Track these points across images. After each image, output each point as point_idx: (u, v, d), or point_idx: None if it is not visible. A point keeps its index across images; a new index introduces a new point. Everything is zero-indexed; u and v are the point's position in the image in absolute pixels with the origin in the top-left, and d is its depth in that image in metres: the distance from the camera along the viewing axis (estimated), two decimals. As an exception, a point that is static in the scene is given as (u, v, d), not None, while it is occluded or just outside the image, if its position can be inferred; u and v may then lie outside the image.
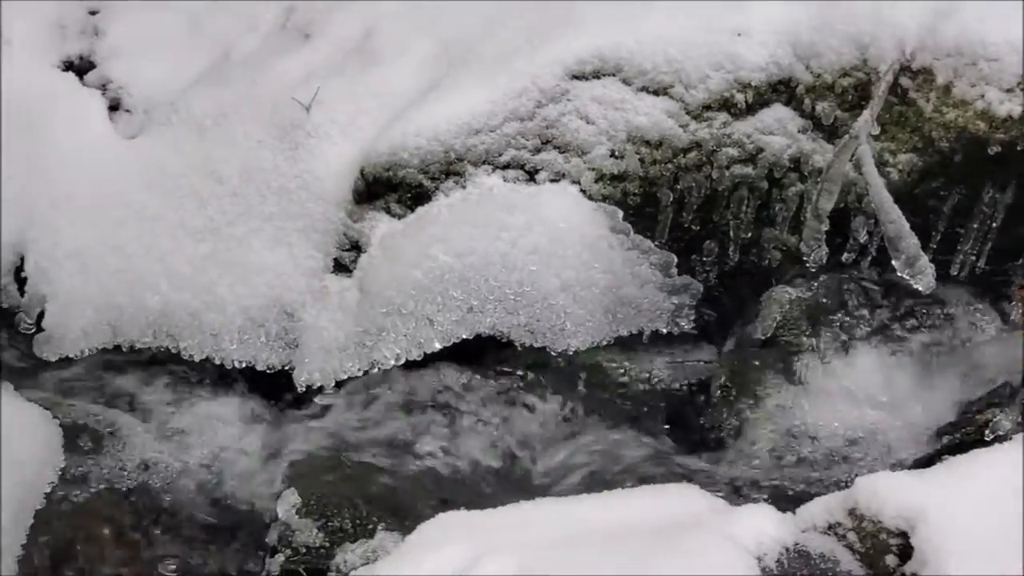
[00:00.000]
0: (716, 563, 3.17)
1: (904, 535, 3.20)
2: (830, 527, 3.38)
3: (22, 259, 5.25)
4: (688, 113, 4.76)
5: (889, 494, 3.27)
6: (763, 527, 3.36)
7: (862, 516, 3.33)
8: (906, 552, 3.19)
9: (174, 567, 4.32)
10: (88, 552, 4.42)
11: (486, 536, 3.34)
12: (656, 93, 4.78)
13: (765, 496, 4.05)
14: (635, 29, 4.82)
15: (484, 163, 4.80)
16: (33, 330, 5.16)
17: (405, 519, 4.17)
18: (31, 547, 4.34)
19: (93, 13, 5.92)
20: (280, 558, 4.15)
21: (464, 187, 4.79)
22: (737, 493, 4.07)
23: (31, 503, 4.44)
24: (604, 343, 4.72)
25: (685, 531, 3.31)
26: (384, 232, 4.80)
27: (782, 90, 4.75)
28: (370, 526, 4.17)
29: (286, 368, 4.86)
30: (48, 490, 4.52)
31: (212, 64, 5.52)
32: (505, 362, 4.74)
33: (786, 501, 3.91)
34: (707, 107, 4.75)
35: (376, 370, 4.73)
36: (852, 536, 3.33)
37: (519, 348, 4.73)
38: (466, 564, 3.22)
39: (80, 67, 5.77)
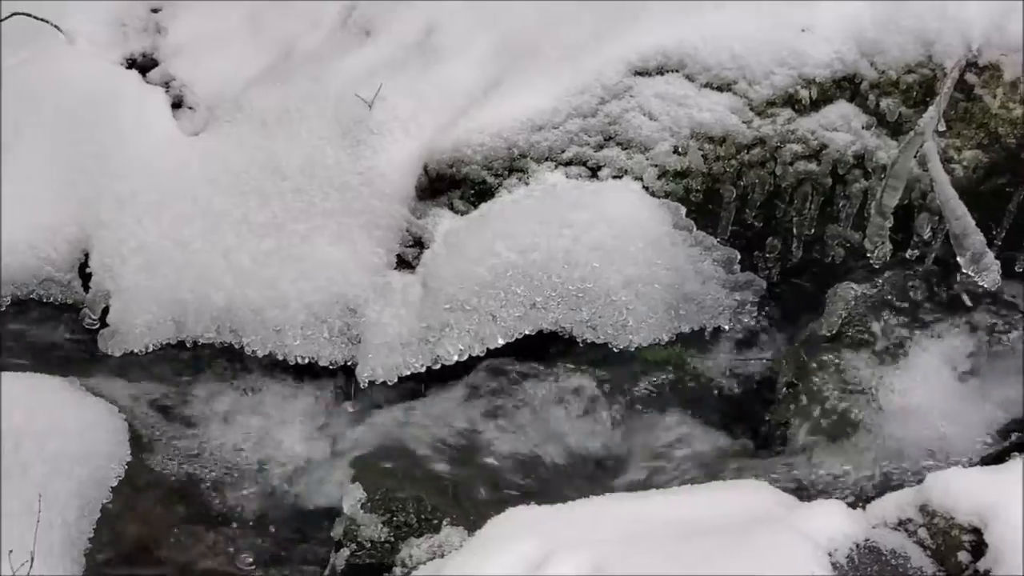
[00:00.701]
0: (789, 559, 3.17)
1: (977, 532, 3.19)
2: (901, 523, 3.38)
3: (86, 256, 5.26)
4: (752, 109, 4.75)
5: (962, 491, 3.26)
6: (834, 523, 3.35)
7: (934, 512, 3.32)
8: (979, 549, 3.18)
9: (251, 560, 4.32)
10: (153, 546, 4.45)
11: (557, 531, 3.35)
12: (720, 89, 4.78)
13: (832, 492, 4.02)
14: (699, 25, 4.82)
15: (547, 160, 4.81)
16: (97, 326, 5.20)
17: (469, 514, 4.18)
18: (98, 541, 4.34)
19: (155, 11, 5.97)
20: (345, 552, 4.17)
21: (527, 183, 4.80)
22: (805, 489, 4.05)
23: (98, 497, 4.47)
24: (666, 339, 4.70)
25: (757, 527, 3.31)
26: (447, 228, 4.81)
27: (846, 86, 4.73)
28: (435, 521, 4.17)
29: (348, 364, 4.85)
30: (114, 484, 4.52)
31: (274, 61, 5.55)
32: (567, 358, 4.71)
33: (854, 497, 3.90)
34: (771, 103, 4.75)
35: (439, 366, 4.71)
36: (923, 532, 3.32)
37: (581, 344, 4.69)
38: (538, 559, 3.22)
39: (143, 65, 5.81)
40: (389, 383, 4.77)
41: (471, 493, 4.36)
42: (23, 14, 5.89)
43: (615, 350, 4.70)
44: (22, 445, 4.30)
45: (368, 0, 5.52)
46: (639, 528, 3.38)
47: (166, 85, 5.65)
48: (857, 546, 3.34)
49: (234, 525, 4.53)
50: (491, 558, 3.29)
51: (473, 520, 4.12)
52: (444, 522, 4.15)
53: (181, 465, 4.68)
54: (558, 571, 3.15)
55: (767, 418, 4.48)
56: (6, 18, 5.90)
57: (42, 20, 5.86)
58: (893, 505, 3.43)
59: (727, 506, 3.54)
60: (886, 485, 4.01)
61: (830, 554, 3.29)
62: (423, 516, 4.20)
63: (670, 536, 3.32)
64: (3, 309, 5.29)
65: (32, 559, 3.78)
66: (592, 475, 4.42)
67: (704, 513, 3.47)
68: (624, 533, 3.34)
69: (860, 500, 3.85)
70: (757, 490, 3.66)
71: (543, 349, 4.80)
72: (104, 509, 4.47)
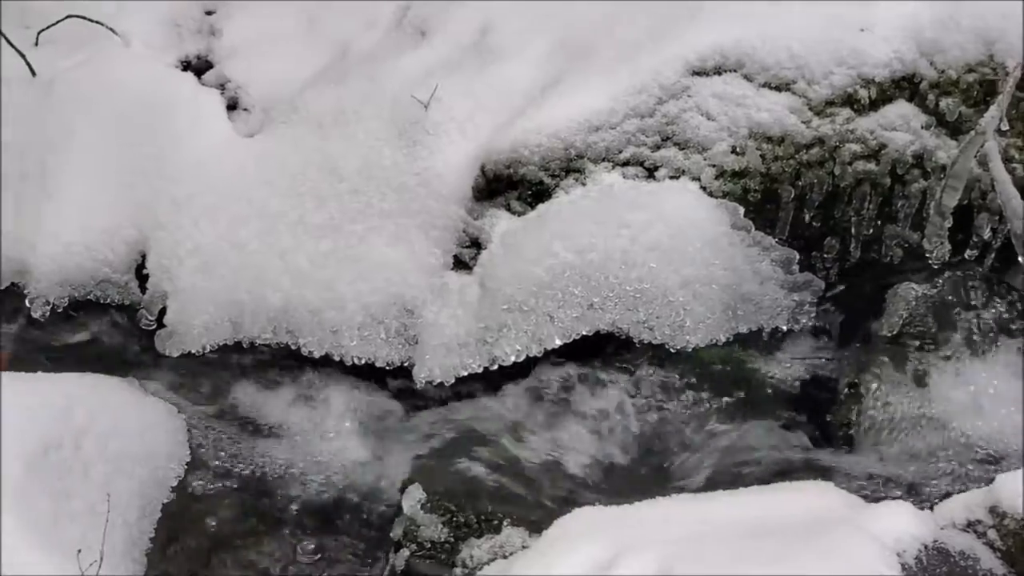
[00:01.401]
0: (858, 560, 3.17)
1: (1050, 533, 3.17)
2: (969, 524, 3.36)
3: (143, 257, 5.28)
4: (811, 109, 4.74)
5: (1033, 492, 3.24)
6: (902, 524, 3.34)
7: (1004, 514, 3.30)
8: (1051, 551, 3.16)
9: (312, 547, 4.33)
10: (211, 545, 4.46)
11: (625, 532, 3.35)
12: (778, 89, 4.76)
13: (898, 493, 4.01)
14: (757, 25, 4.81)
15: (604, 160, 4.81)
16: (154, 326, 5.22)
17: (530, 515, 4.18)
18: (159, 540, 4.36)
19: (209, 13, 5.99)
20: (405, 552, 4.17)
21: (584, 184, 4.79)
22: (870, 490, 4.03)
23: (159, 497, 4.50)
24: (723, 340, 4.69)
25: (824, 528, 3.30)
26: (505, 229, 4.81)
27: (906, 86, 4.72)
28: (495, 521, 4.17)
29: (405, 364, 4.85)
30: (174, 484, 4.55)
31: (330, 62, 5.56)
32: (624, 359, 4.71)
33: (919, 498, 3.88)
34: (830, 103, 4.73)
35: (496, 366, 4.71)
36: (993, 534, 3.31)
37: (638, 345, 4.69)
38: (606, 560, 3.23)
39: (198, 67, 5.83)
40: (446, 384, 4.76)
41: (530, 494, 4.36)
42: (78, 16, 5.91)
43: (672, 351, 4.68)
44: (84, 445, 4.32)
45: (423, 0, 5.49)
46: (706, 529, 3.37)
47: (221, 87, 5.66)
48: (925, 547, 3.33)
49: (292, 525, 4.56)
50: (560, 558, 3.29)
51: (533, 521, 4.13)
52: (504, 523, 4.15)
53: (238, 465, 4.69)
54: (627, 571, 3.14)
55: (828, 419, 4.46)
56: (61, 20, 5.93)
57: (97, 23, 5.89)
58: (961, 506, 3.41)
59: (793, 507, 3.53)
60: (953, 486, 3.98)
61: (899, 555, 3.28)
62: (483, 517, 4.20)
63: (737, 537, 3.31)
64: (60, 311, 5.28)
65: (101, 558, 3.79)
66: (652, 476, 4.42)
67: (770, 514, 3.47)
68: (691, 534, 3.34)
69: (927, 501, 3.83)
70: (823, 491, 3.65)
71: (599, 350, 4.77)
72: (164, 509, 4.47)
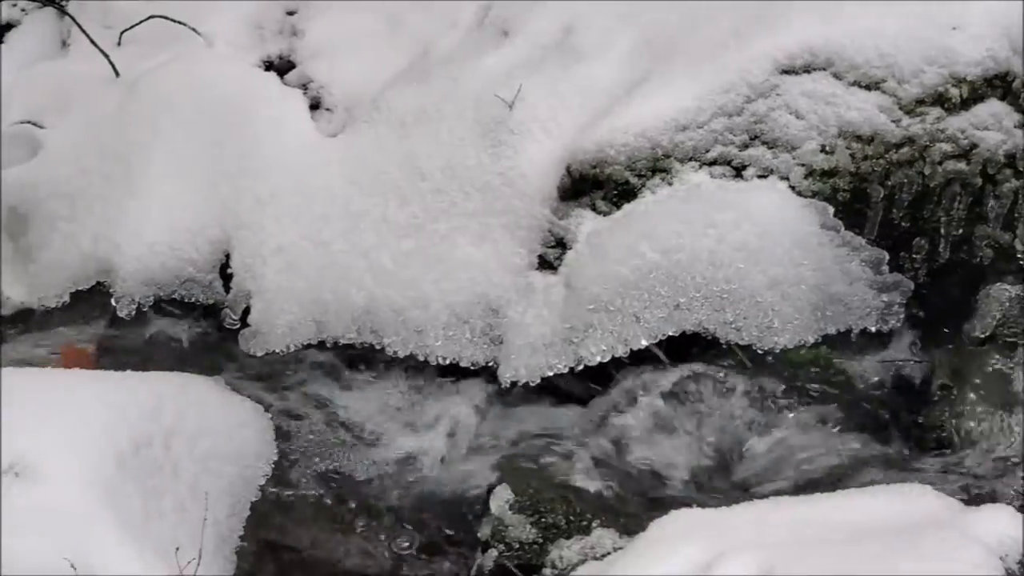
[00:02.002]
0: (961, 562, 3.14)
1: None
2: (1073, 528, 3.31)
3: (227, 256, 5.31)
4: (901, 108, 4.69)
5: None
6: (1003, 527, 3.31)
7: (1108, 518, 3.25)
8: None
9: (407, 544, 4.34)
10: (299, 544, 4.47)
11: (724, 534, 3.33)
12: (868, 88, 4.72)
13: (993, 496, 3.96)
14: (846, 23, 4.76)
15: (691, 159, 4.78)
16: (238, 326, 5.24)
17: (619, 516, 4.17)
18: (248, 539, 4.37)
19: (291, 13, 6.01)
20: (493, 553, 4.16)
21: (671, 184, 4.77)
22: (966, 493, 3.98)
23: (247, 496, 4.52)
24: (811, 341, 4.65)
25: (925, 531, 3.28)
26: (590, 229, 4.79)
27: (998, 85, 4.67)
28: (584, 523, 4.15)
29: (490, 364, 4.85)
30: (262, 482, 4.56)
31: (412, 62, 5.56)
32: (711, 360, 4.68)
33: (1017, 502, 3.83)
34: (920, 102, 4.68)
35: (582, 367, 4.69)
36: (1097, 538, 3.25)
37: (724, 346, 4.66)
38: (706, 562, 3.21)
39: (280, 67, 5.86)
40: (531, 384, 4.75)
41: (617, 496, 4.34)
42: (161, 17, 5.95)
43: (759, 352, 4.64)
44: (173, 444, 4.33)
45: (505, 0, 5.48)
46: (805, 532, 3.35)
47: (304, 87, 5.68)
48: (1029, 551, 3.29)
49: (377, 523, 4.55)
50: (659, 560, 3.27)
51: (622, 523, 4.11)
52: (594, 524, 4.13)
53: (324, 464, 4.71)
54: (729, 571, 3.12)
55: (920, 421, 4.41)
56: (144, 20, 5.97)
57: (179, 23, 5.93)
58: (1062, 510, 3.36)
59: (892, 510, 3.50)
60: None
61: (1001, 559, 3.24)
62: (571, 518, 4.18)
63: (837, 540, 3.29)
64: (145, 310, 5.31)
65: (200, 557, 3.81)
66: (740, 478, 4.38)
67: (869, 517, 3.44)
68: (791, 536, 3.32)
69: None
70: (922, 494, 3.62)
71: (685, 350, 4.74)
72: (252, 508, 4.48)
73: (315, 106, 5.64)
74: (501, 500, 4.27)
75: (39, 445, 3.97)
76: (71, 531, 3.76)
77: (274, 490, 4.60)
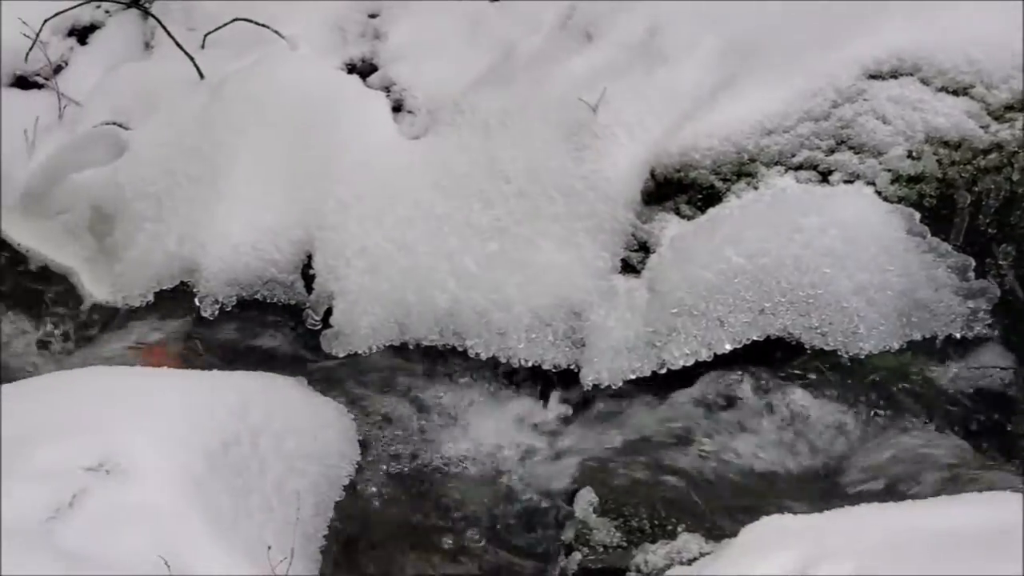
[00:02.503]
0: (1056, 573, 3.10)
1: None
2: None
3: (309, 257, 5.34)
4: (989, 113, 4.67)
5: None
6: (1100, 538, 3.26)
7: None
8: None
9: (486, 554, 4.35)
10: (384, 542, 4.50)
11: (818, 541, 3.32)
12: (956, 93, 4.70)
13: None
14: (934, 28, 4.75)
15: (777, 164, 4.77)
16: (319, 326, 5.26)
17: (704, 521, 4.16)
18: (332, 539, 4.40)
19: (373, 16, 6.03)
20: (577, 556, 4.17)
21: (756, 188, 4.76)
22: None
23: (331, 495, 4.54)
24: (896, 347, 4.63)
25: (1015, 539, 3.24)
26: (674, 233, 4.79)
27: (1088, 91, 4.61)
28: (669, 527, 4.16)
29: (572, 367, 4.85)
30: (346, 482, 4.59)
31: (494, 64, 5.57)
32: (795, 365, 4.66)
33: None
34: (1009, 107, 4.66)
35: (665, 370, 4.69)
36: None
37: (809, 351, 4.64)
38: (800, 568, 3.19)
39: (362, 69, 5.88)
40: (614, 387, 4.75)
41: (703, 501, 4.33)
42: (244, 19, 6.00)
43: (844, 357, 4.62)
44: (260, 443, 4.36)
45: (588, 2, 5.48)
46: (900, 538, 3.33)
47: (386, 89, 5.71)
48: (1126, 563, 3.25)
49: (461, 524, 4.57)
50: (753, 566, 3.26)
51: (708, 527, 4.11)
52: (679, 528, 4.13)
53: (407, 464, 4.73)
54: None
55: (1008, 428, 4.38)
56: (228, 23, 6.02)
57: (263, 26, 5.96)
58: None
59: (984, 518, 3.47)
60: None
61: (1097, 568, 3.20)
62: (656, 522, 4.19)
63: (933, 547, 3.27)
64: (228, 309, 5.35)
65: (292, 554, 3.84)
66: (826, 484, 4.37)
67: (963, 523, 3.42)
68: (885, 543, 3.30)
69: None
70: (1012, 501, 3.58)
71: (769, 355, 4.73)
72: (336, 507, 4.51)
73: (397, 108, 5.66)
74: (585, 503, 4.28)
75: (130, 443, 4.01)
76: (164, 529, 3.78)
77: (358, 489, 4.58)
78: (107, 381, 4.43)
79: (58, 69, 6.40)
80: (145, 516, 3.80)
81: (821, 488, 4.32)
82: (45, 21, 6.18)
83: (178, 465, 4.01)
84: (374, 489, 4.64)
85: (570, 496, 4.43)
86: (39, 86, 6.40)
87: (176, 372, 4.67)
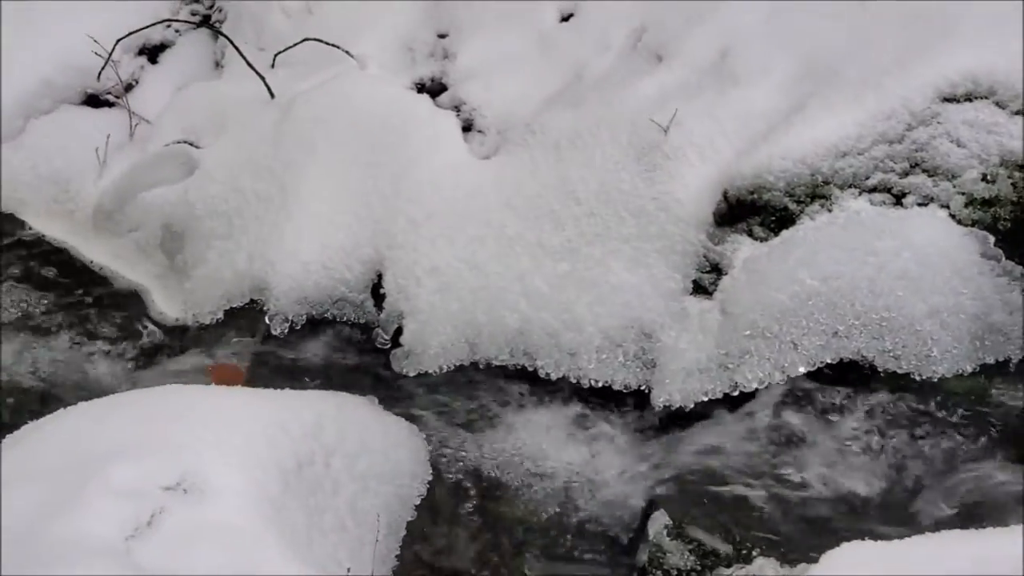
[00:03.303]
0: None
1: None
2: None
3: (379, 276, 5.35)
4: (1064, 137, 4.62)
5: None
6: None
7: None
8: None
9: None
10: (456, 563, 4.51)
11: (898, 569, 3.29)
12: (1031, 117, 4.66)
13: None
14: (1008, 52, 4.71)
15: (850, 186, 4.76)
16: (389, 346, 5.27)
17: (779, 545, 4.15)
18: (404, 558, 4.41)
19: (442, 36, 6.05)
20: (650, 579, 4.15)
21: (830, 210, 4.75)
22: None
23: (403, 515, 4.56)
24: (970, 370, 4.60)
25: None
26: (747, 255, 4.78)
27: None
28: (744, 551, 4.15)
29: (643, 388, 4.85)
30: (418, 502, 4.60)
31: (564, 85, 5.58)
32: (868, 388, 4.65)
33: None
34: (1084, 131, 4.61)
35: (737, 393, 4.68)
36: None
37: (882, 374, 4.62)
38: (885, 596, 3.17)
39: (432, 89, 5.89)
40: (685, 408, 4.75)
41: (779, 525, 4.32)
42: (314, 39, 6.03)
43: (917, 380, 4.60)
44: (333, 463, 4.38)
45: (660, 23, 5.48)
46: (982, 568, 3.30)
47: (456, 109, 5.72)
48: None
49: (532, 547, 4.58)
50: (836, 594, 3.25)
51: (783, 552, 4.09)
52: (754, 553, 4.11)
53: (478, 484, 4.73)
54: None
55: (1086, 456, 4.35)
56: (298, 43, 6.05)
57: (333, 45, 6.00)
58: None
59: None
60: None
61: None
62: (731, 546, 4.18)
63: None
64: (298, 328, 5.37)
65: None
66: (900, 510, 4.35)
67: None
68: (967, 572, 3.27)
69: None
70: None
71: (841, 378, 4.71)
72: (408, 527, 4.51)
73: (467, 128, 5.68)
74: (659, 526, 4.27)
75: (206, 462, 4.03)
76: (240, 548, 3.80)
77: (429, 510, 4.59)
78: (182, 399, 4.45)
79: (129, 88, 6.44)
80: (222, 535, 3.81)
81: (899, 514, 4.30)
82: (118, 41, 6.22)
83: (254, 484, 4.03)
84: (446, 508, 4.64)
85: (642, 518, 4.42)
86: (110, 104, 6.45)
87: (250, 391, 4.70)
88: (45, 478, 3.91)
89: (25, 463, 4.05)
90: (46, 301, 5.77)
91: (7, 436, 4.39)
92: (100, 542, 3.67)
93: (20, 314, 5.69)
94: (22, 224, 6.18)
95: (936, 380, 4.61)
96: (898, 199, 4.73)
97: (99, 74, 6.24)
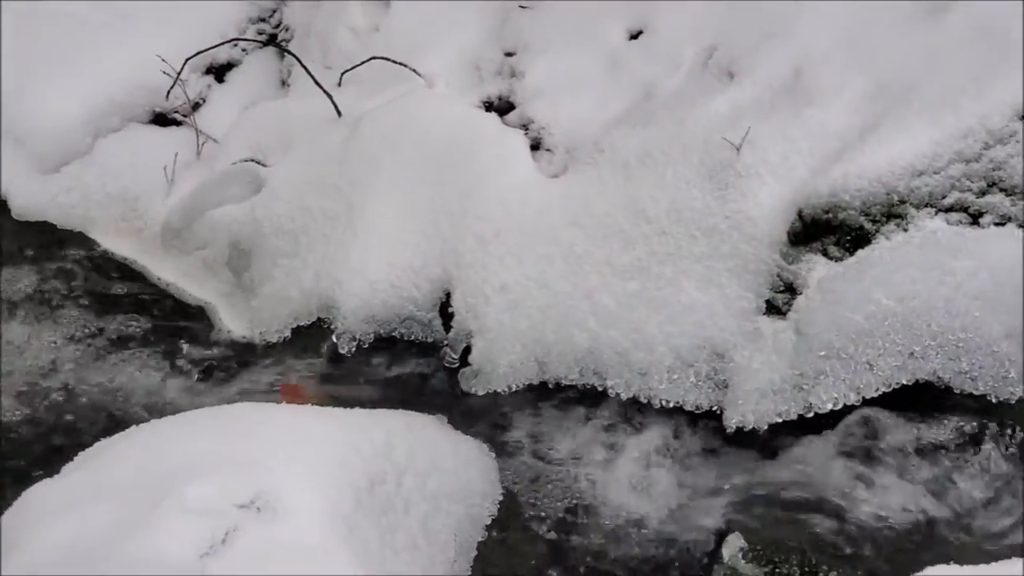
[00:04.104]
0: None
1: None
2: None
3: (447, 295, 5.34)
4: None
5: None
6: None
7: None
8: None
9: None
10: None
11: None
12: (1111, 136, 4.60)
13: None
14: (1089, 69, 4.64)
15: (927, 205, 4.71)
16: (457, 364, 5.25)
17: (857, 568, 4.12)
18: (475, 577, 4.40)
19: (509, 55, 6.03)
20: (724, 602, 4.11)
21: (906, 230, 4.70)
22: None
23: (474, 535, 4.54)
24: (1047, 392, 4.53)
25: None
26: (822, 275, 4.73)
27: None
28: (820, 574, 4.08)
29: (714, 409, 4.81)
30: (488, 522, 4.58)
31: (634, 103, 5.55)
32: (943, 409, 4.58)
33: None
34: None
35: (811, 414, 4.63)
36: None
37: (958, 395, 4.56)
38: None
39: (499, 107, 5.88)
40: (758, 430, 4.70)
41: (852, 548, 4.27)
42: (381, 58, 6.04)
43: (993, 402, 4.54)
44: (404, 482, 4.37)
45: (731, 41, 5.45)
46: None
47: (524, 127, 5.70)
48: None
49: (599, 568, 4.54)
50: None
51: (861, 576, 4.04)
52: (832, 575, 4.05)
53: (548, 504, 4.71)
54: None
55: None
56: (365, 61, 6.06)
57: (400, 64, 6.00)
58: None
59: None
60: None
61: None
62: (807, 569, 4.16)
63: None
64: (365, 347, 5.37)
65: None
66: (986, 532, 4.28)
67: None
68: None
69: None
70: None
71: (915, 399, 4.66)
72: (479, 547, 4.49)
73: (535, 147, 5.66)
74: (734, 548, 4.23)
75: (280, 480, 4.01)
76: (314, 567, 3.79)
77: (500, 529, 4.57)
78: (255, 417, 4.45)
79: (196, 106, 6.46)
80: (296, 553, 3.79)
81: (980, 539, 4.23)
82: (187, 60, 6.24)
83: (328, 503, 4.01)
84: (517, 528, 4.61)
85: (716, 540, 4.38)
86: (177, 123, 6.48)
87: (321, 409, 4.68)
88: (119, 495, 3.90)
89: (99, 480, 4.05)
90: (114, 318, 5.79)
91: (80, 452, 4.39)
92: (175, 560, 3.66)
93: (88, 331, 5.71)
94: (91, 242, 6.19)
95: (1013, 402, 4.52)
96: (975, 218, 4.68)
97: (168, 93, 6.27)
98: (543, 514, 4.69)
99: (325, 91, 5.92)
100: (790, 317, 4.76)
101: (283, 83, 6.55)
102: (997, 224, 4.67)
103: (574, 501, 4.74)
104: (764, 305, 4.83)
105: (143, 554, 3.66)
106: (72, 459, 4.39)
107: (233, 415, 4.52)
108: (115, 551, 3.68)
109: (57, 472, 4.29)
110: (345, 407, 4.83)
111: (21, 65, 6.57)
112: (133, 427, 4.47)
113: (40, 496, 4.07)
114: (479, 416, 5.11)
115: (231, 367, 5.57)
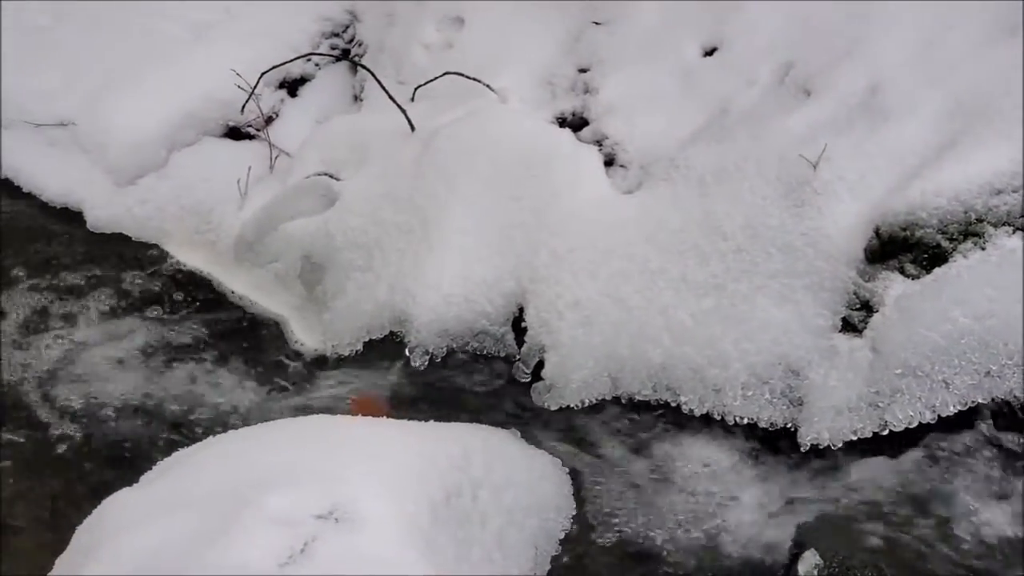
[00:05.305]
0: None
1: None
2: None
3: (520, 310, 5.35)
4: None
5: None
6: None
7: None
8: None
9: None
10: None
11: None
12: None
13: None
14: None
15: (1005, 224, 4.68)
16: (529, 379, 5.26)
17: (935, 587, 4.06)
18: (549, 594, 4.41)
19: (583, 71, 6.05)
20: (801, 619, 4.09)
21: (983, 248, 4.67)
22: None
23: (549, 550, 4.55)
24: (1125, 412, 4.49)
25: None
26: (899, 292, 4.71)
27: None
28: (896, 593, 4.07)
29: (789, 426, 4.79)
30: (562, 536, 4.58)
31: (709, 120, 5.55)
32: (1017, 428, 4.55)
33: None
34: None
35: (886, 432, 4.61)
36: None
37: (1033, 415, 4.54)
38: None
39: (573, 123, 5.90)
40: (834, 447, 4.69)
41: (930, 566, 4.24)
42: (455, 73, 6.07)
43: (1072, 422, 4.51)
44: (480, 495, 4.38)
45: (807, 58, 5.45)
46: None
47: (598, 143, 5.72)
48: None
49: (673, 582, 4.50)
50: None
51: (937, 594, 4.02)
52: (911, 596, 4.04)
53: (622, 519, 4.71)
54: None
55: None
56: (439, 77, 6.09)
57: (473, 79, 6.02)
58: None
59: None
60: None
61: None
62: (883, 587, 4.10)
63: None
64: (438, 360, 5.39)
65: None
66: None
67: None
68: None
69: None
70: None
71: (992, 418, 4.63)
72: (553, 561, 4.49)
73: (609, 163, 5.68)
74: (809, 565, 4.22)
75: (358, 492, 4.04)
76: (391, 578, 3.80)
77: (574, 544, 4.57)
78: (332, 429, 4.48)
79: (269, 120, 6.52)
80: (373, 565, 3.82)
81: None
82: (262, 74, 6.29)
83: (405, 515, 4.03)
84: (590, 543, 4.61)
85: (791, 557, 4.36)
86: (251, 137, 6.53)
87: (397, 422, 4.71)
88: (200, 505, 3.94)
89: (179, 490, 4.10)
90: (185, 330, 5.84)
91: (159, 462, 4.44)
92: (256, 569, 3.71)
93: (159, 342, 5.76)
94: (165, 254, 6.25)
95: (1089, 422, 4.49)
96: (1053, 238, 4.64)
97: (243, 107, 6.33)
98: (613, 528, 4.68)
99: (399, 105, 5.95)
100: (866, 335, 4.74)
101: (356, 98, 6.60)
102: (1075, 242, 4.63)
103: (644, 514, 4.72)
104: (840, 323, 4.82)
105: (224, 563, 3.69)
106: (150, 469, 4.42)
107: (310, 427, 4.56)
108: (196, 560, 3.72)
109: (135, 482, 4.33)
110: (418, 421, 4.84)
111: (97, 78, 6.64)
112: (211, 438, 4.52)
113: (120, 505, 4.12)
114: (552, 430, 5.09)
115: (303, 380, 5.60)
